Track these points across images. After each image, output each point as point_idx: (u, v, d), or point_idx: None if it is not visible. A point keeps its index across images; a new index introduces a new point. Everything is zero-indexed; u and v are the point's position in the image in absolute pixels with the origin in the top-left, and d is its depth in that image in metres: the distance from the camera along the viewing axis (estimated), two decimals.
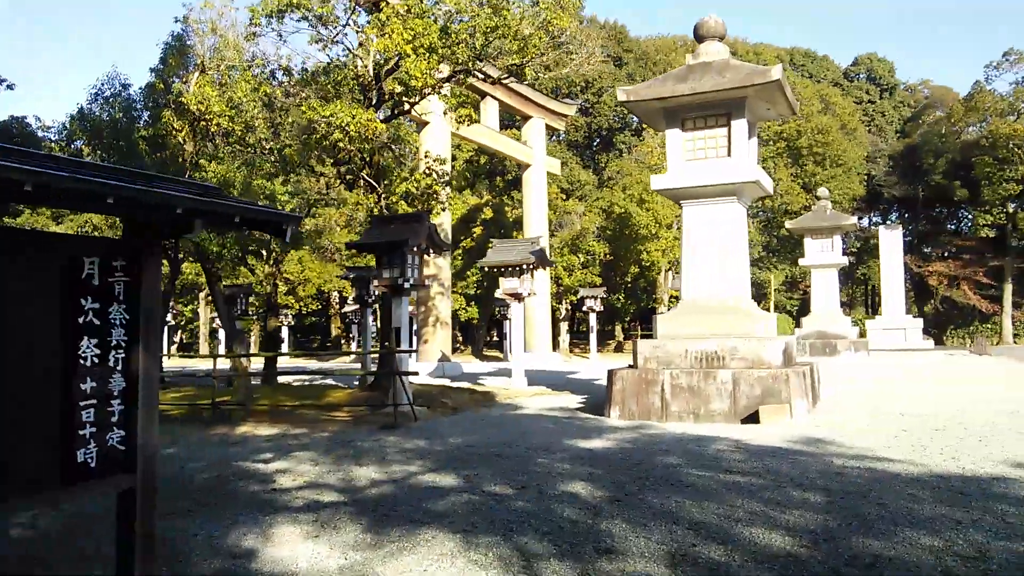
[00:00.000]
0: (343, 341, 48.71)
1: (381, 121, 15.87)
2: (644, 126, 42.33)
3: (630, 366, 13.06)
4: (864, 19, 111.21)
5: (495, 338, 48.71)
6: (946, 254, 56.66)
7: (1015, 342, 50.03)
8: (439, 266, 23.69)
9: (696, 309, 12.79)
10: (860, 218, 57.80)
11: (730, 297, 12.61)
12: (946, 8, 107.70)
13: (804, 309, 42.92)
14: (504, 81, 27.86)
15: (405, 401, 12.94)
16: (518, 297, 17.48)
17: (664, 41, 54.34)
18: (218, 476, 8.09)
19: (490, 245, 18.30)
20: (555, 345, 39.11)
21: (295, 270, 42.74)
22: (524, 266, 17.30)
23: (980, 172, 47.89)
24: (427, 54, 12.70)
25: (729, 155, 12.56)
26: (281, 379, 19.43)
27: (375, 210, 14.83)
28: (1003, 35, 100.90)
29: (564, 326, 43.70)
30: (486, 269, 17.16)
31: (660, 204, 35.48)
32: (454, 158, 48.47)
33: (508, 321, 41.02)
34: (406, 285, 12.89)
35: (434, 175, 16.14)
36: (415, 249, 12.93)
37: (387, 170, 16.31)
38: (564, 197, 43.94)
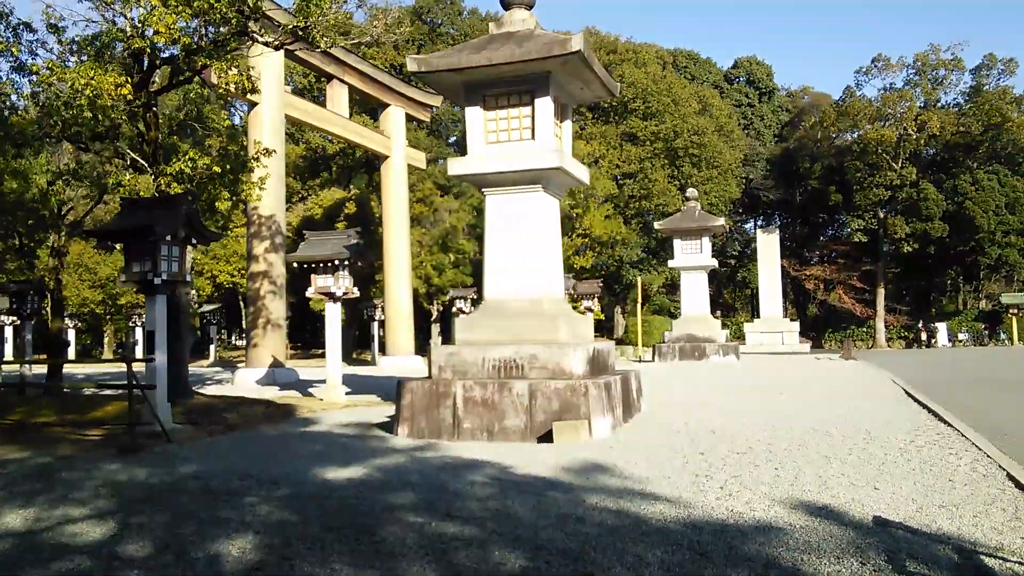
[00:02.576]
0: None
1: (156, 92, 13.81)
2: None
3: (426, 377, 11.46)
4: (747, 22, 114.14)
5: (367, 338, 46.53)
6: (823, 258, 57.84)
7: (888, 345, 51.28)
8: (270, 262, 21.60)
9: (497, 312, 11.29)
10: (739, 222, 58.41)
11: (534, 298, 11.16)
12: (826, 11, 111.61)
13: None
14: (354, 64, 26.04)
15: (160, 418, 10.97)
16: (332, 297, 15.65)
17: None
18: None
19: (304, 238, 16.42)
20: (424, 348, 37.39)
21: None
22: (338, 262, 15.49)
23: (852, 177, 48.81)
24: (181, 6, 10.73)
25: (533, 138, 11.11)
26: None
27: (142, 193, 12.75)
28: (878, 41, 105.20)
29: (436, 328, 42.01)
30: (294, 265, 15.34)
31: None
32: (322, 149, 46.26)
33: (374, 323, 39.19)
34: (157, 281, 10.90)
35: (227, 155, 14.18)
36: (168, 239, 10.96)
37: (173, 149, 14.22)
38: (441, 193, 42.26)
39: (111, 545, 5.63)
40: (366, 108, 39.28)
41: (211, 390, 19.88)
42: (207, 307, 42.88)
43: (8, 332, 23.40)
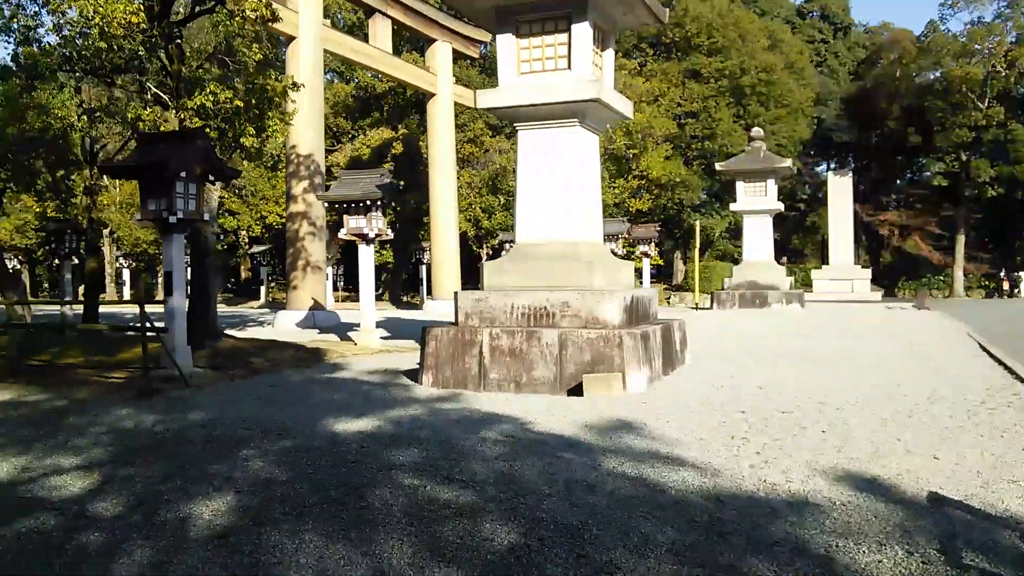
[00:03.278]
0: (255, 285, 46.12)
1: (178, 22, 13.36)
2: None
3: (453, 323, 10.97)
4: None
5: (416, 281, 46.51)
6: (900, 203, 55.36)
7: (967, 295, 49.08)
8: (308, 203, 21.26)
9: (528, 255, 10.68)
10: (810, 164, 56.16)
11: (568, 241, 10.50)
12: None
13: None
14: None
15: (177, 362, 10.77)
16: (365, 239, 15.22)
17: None
18: None
19: (336, 177, 15.98)
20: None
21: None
22: (370, 202, 15.01)
23: (933, 118, 46.23)
24: None
25: (569, 68, 10.32)
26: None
27: (162, 127, 12.39)
28: None
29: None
30: (325, 205, 14.92)
31: None
32: (372, 88, 45.64)
33: (422, 266, 38.94)
34: (172, 220, 10.56)
35: (252, 89, 13.70)
36: (183, 175, 10.58)
37: (200, 83, 13.80)
38: (492, 134, 41.46)
39: (85, 502, 5.32)
40: (414, 44, 38.51)
41: (250, 332, 19.84)
42: (257, 248, 43.14)
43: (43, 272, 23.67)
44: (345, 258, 42.98)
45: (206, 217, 11.36)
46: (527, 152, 10.89)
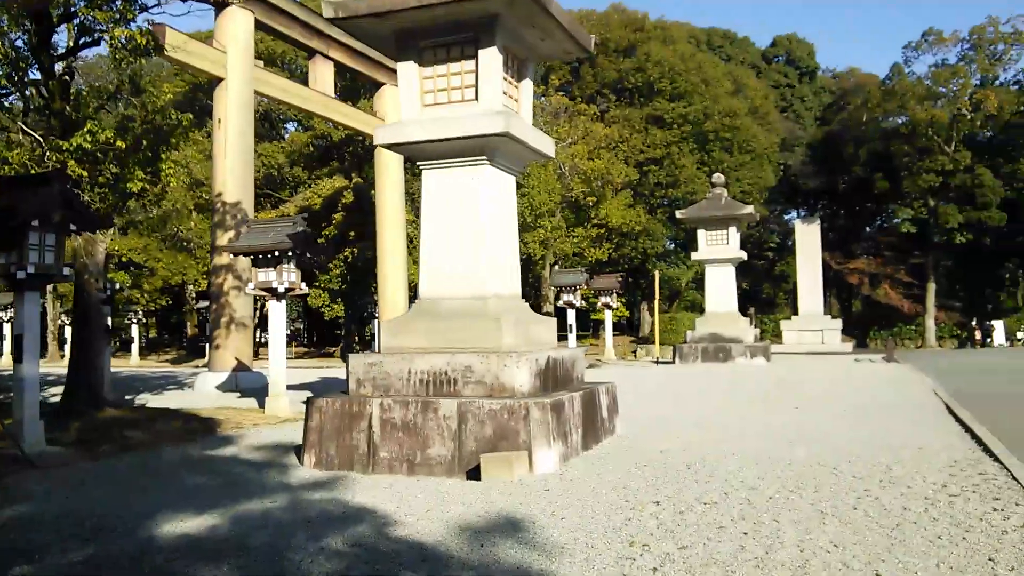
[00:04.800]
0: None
1: (60, 56, 12.21)
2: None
3: (343, 393, 9.67)
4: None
5: (368, 337, 45.07)
6: (868, 251, 54.93)
7: (939, 345, 48.40)
8: (233, 256, 19.96)
9: (431, 312, 9.46)
10: (777, 211, 55.80)
11: (476, 296, 9.30)
12: None
13: None
14: (339, 38, 24.31)
15: (27, 437, 9.37)
16: (274, 293, 13.93)
17: (571, 15, 51.11)
18: None
19: (247, 228, 14.72)
20: None
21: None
22: (280, 253, 13.77)
23: (900, 163, 46.01)
24: None
25: (477, 99, 9.25)
26: None
27: (32, 169, 11.12)
28: (931, 19, 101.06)
29: None
30: (230, 257, 13.68)
31: (537, 190, 32.33)
32: (329, 136, 44.63)
33: (375, 320, 37.50)
34: (21, 275, 9.24)
35: (148, 129, 12.53)
36: (36, 224, 9.30)
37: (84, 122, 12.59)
38: None
39: None
40: (366, 88, 37.59)
41: (165, 397, 18.39)
42: (204, 303, 41.54)
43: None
44: (307, 314, 41.59)
45: (91, 270, 10.05)
46: (432, 195, 9.74)
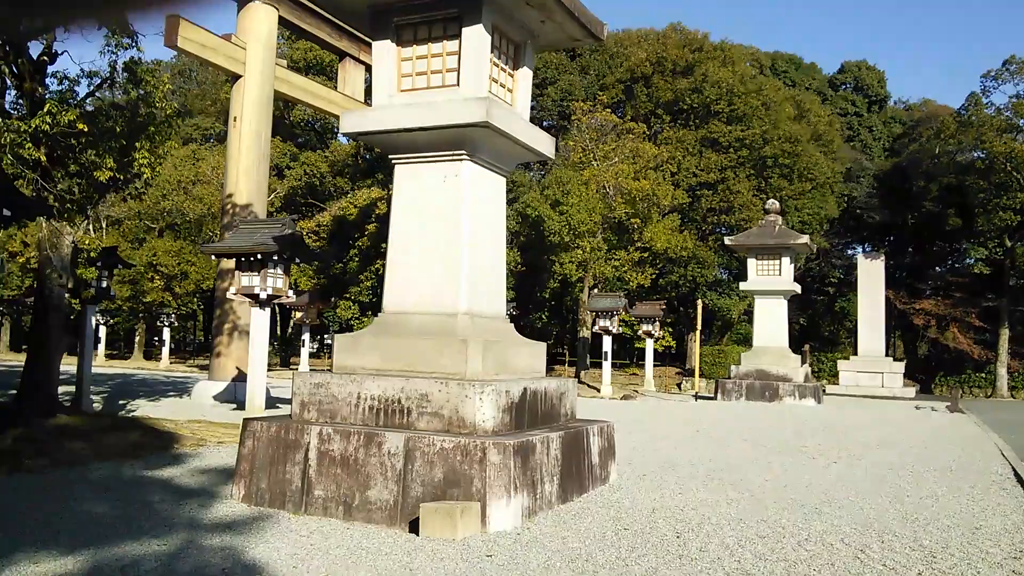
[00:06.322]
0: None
1: (27, 33, 11.30)
2: (575, 115, 37.91)
3: (285, 416, 8.44)
4: (857, 27, 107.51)
5: None
6: (937, 291, 52.09)
7: (1012, 395, 45.40)
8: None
9: (394, 329, 8.18)
10: (840, 245, 53.39)
11: (447, 312, 8.00)
12: (947, 19, 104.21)
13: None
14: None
15: None
16: (256, 299, 12.84)
17: (628, 34, 49.98)
18: None
19: (235, 228, 13.70)
20: None
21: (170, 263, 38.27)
22: (265, 256, 12.69)
23: (975, 199, 43.42)
24: None
25: (458, 84, 8.01)
26: None
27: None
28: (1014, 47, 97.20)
29: None
30: (213, 259, 12.67)
31: (575, 208, 30.94)
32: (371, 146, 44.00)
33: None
34: None
35: (125, 115, 11.59)
36: None
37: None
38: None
39: None
40: None
41: (161, 405, 17.45)
42: None
43: None
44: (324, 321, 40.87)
45: (55, 264, 9.10)
46: (404, 194, 8.51)
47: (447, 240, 8.13)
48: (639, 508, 7.62)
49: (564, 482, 7.79)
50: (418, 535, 6.41)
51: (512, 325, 9.24)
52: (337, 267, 38.68)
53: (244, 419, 8.14)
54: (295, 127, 50.69)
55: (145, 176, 11.94)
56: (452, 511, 6.37)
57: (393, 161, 8.57)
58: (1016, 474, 10.84)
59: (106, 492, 7.95)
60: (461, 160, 8.15)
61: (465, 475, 6.74)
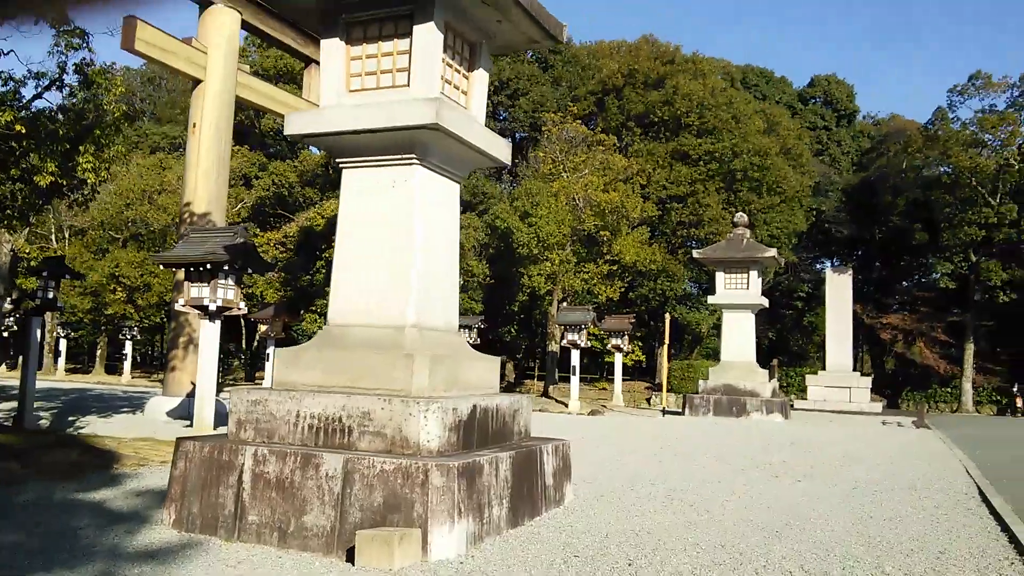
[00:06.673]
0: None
1: None
2: (545, 125, 37.68)
3: (220, 435, 8.00)
4: (827, 41, 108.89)
5: None
6: (904, 306, 52.43)
7: (977, 410, 45.64)
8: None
9: (338, 342, 7.78)
10: (808, 259, 53.63)
11: (393, 325, 7.60)
12: (917, 35, 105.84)
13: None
14: None
15: None
16: (205, 311, 12.35)
17: (600, 46, 50.00)
18: None
19: (186, 237, 13.21)
20: None
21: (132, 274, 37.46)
22: (215, 266, 12.20)
23: (941, 214, 43.75)
24: None
25: (408, 84, 7.64)
26: None
27: None
28: (980, 64, 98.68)
29: None
30: (160, 267, 12.24)
31: (545, 220, 30.69)
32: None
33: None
34: None
35: (71, 116, 11.10)
36: None
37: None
38: (462, 210, 39.07)
39: None
40: None
41: (107, 421, 16.83)
42: None
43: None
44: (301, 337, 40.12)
45: None
46: (351, 200, 8.13)
47: (395, 248, 7.75)
48: (592, 532, 7.25)
49: (515, 505, 7.40)
50: (354, 565, 6.00)
51: (465, 338, 8.87)
52: (304, 279, 38.07)
53: (177, 438, 7.68)
54: (265, 136, 50.04)
55: (90, 182, 11.43)
56: (390, 538, 5.97)
57: (340, 165, 8.18)
58: (980, 492, 10.62)
59: (28, 518, 7.44)
60: (411, 164, 7.78)
61: (406, 499, 6.34)
